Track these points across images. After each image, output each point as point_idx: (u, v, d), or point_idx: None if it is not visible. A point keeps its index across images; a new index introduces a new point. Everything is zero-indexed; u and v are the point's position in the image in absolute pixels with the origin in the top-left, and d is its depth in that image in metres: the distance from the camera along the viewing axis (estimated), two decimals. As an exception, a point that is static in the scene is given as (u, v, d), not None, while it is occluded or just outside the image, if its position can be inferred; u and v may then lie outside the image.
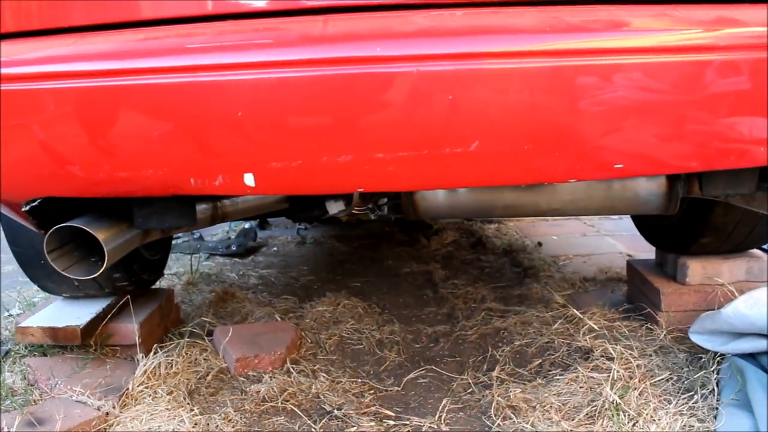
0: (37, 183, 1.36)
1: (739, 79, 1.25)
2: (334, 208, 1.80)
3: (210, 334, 2.25)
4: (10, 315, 2.64)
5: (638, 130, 1.25)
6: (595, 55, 1.19)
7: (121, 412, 1.75)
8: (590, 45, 1.20)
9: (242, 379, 1.99)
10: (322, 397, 1.86)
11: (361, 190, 1.35)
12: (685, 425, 1.60)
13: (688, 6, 1.27)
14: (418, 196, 1.76)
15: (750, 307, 1.77)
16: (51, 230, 1.41)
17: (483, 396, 1.84)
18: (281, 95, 1.19)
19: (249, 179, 1.26)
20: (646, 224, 2.60)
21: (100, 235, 1.40)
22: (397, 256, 3.55)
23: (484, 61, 1.17)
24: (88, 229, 1.39)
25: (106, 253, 1.41)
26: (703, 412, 1.65)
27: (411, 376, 2.00)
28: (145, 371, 1.91)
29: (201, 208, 1.75)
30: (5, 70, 1.20)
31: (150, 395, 1.83)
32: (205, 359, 2.08)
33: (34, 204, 1.46)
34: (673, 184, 1.76)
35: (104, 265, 1.42)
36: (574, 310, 2.25)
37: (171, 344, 2.10)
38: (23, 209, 1.46)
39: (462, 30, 1.19)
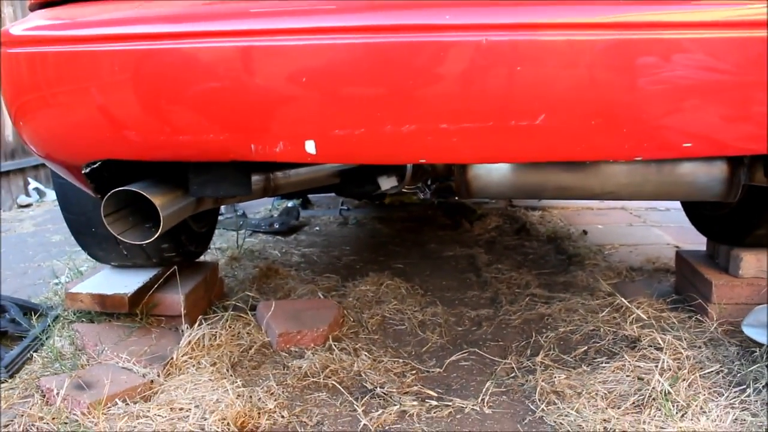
0: (97, 146, 1.37)
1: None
2: (387, 183, 1.77)
3: (253, 308, 2.26)
4: (59, 282, 2.70)
5: (705, 109, 1.20)
6: (664, 29, 1.16)
7: (165, 381, 1.77)
8: (658, 18, 1.16)
9: (284, 354, 2.00)
10: (363, 375, 1.85)
11: (423, 161, 1.33)
12: (737, 419, 1.56)
13: None
14: (471, 175, 1.73)
15: (809, 300, 1.72)
16: (108, 194, 1.42)
17: (526, 381, 1.82)
18: (346, 62, 1.18)
19: (310, 146, 1.25)
20: (698, 214, 2.53)
21: (157, 201, 1.41)
22: (439, 239, 3.53)
23: (551, 32, 1.15)
24: (145, 194, 1.39)
25: (162, 218, 1.41)
26: (756, 407, 1.61)
27: (453, 358, 1.98)
28: (190, 342, 1.93)
29: (254, 179, 1.74)
30: (67, 32, 1.21)
31: (194, 365, 1.84)
32: (248, 333, 2.09)
33: (94, 166, 1.47)
34: (735, 170, 1.70)
35: (159, 231, 1.42)
36: (622, 299, 2.20)
37: (215, 317, 2.12)
38: (83, 172, 1.48)
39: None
